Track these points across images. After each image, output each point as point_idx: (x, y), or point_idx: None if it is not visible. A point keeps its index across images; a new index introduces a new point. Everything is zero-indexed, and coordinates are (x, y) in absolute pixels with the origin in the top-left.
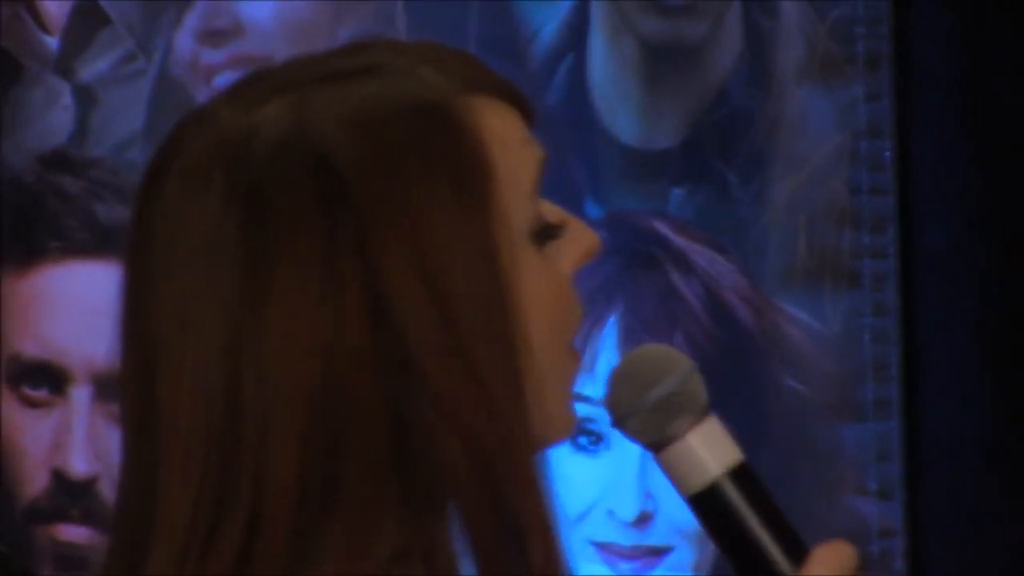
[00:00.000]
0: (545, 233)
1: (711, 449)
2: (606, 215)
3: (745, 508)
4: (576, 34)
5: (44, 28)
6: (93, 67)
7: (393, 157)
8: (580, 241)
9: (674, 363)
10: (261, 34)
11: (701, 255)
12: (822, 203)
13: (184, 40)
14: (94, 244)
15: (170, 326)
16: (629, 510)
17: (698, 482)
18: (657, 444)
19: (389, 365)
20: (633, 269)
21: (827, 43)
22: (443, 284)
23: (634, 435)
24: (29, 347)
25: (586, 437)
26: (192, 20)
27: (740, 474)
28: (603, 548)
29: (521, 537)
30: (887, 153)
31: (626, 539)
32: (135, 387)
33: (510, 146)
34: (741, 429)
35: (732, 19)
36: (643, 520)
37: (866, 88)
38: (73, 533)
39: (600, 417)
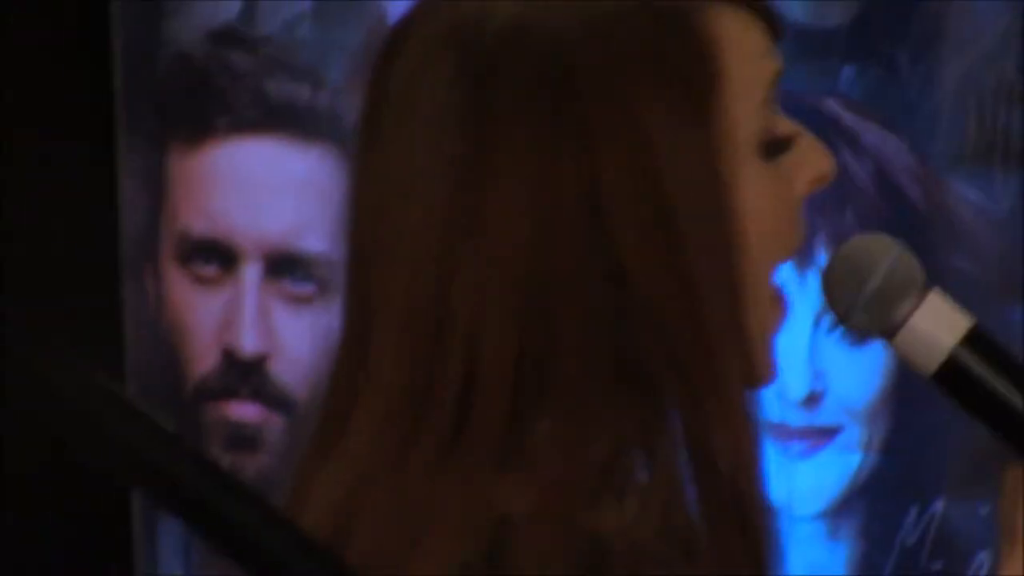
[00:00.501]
0: (775, 147)
1: (939, 324)
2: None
3: (988, 371)
4: None
5: None
6: None
7: (624, 58)
8: (813, 163)
9: (883, 250)
10: None
11: (871, 134)
12: (992, 84)
13: None
14: (263, 121)
15: (393, 192)
16: (798, 390)
17: (936, 359)
18: (886, 332)
19: (602, 258)
20: None
21: None
22: (661, 188)
23: (859, 330)
24: (198, 224)
25: None
26: None
27: (975, 340)
28: (772, 428)
29: (715, 458)
30: None
31: (795, 419)
32: (355, 251)
33: (746, 56)
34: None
35: None
36: (812, 400)
37: None
38: (243, 411)
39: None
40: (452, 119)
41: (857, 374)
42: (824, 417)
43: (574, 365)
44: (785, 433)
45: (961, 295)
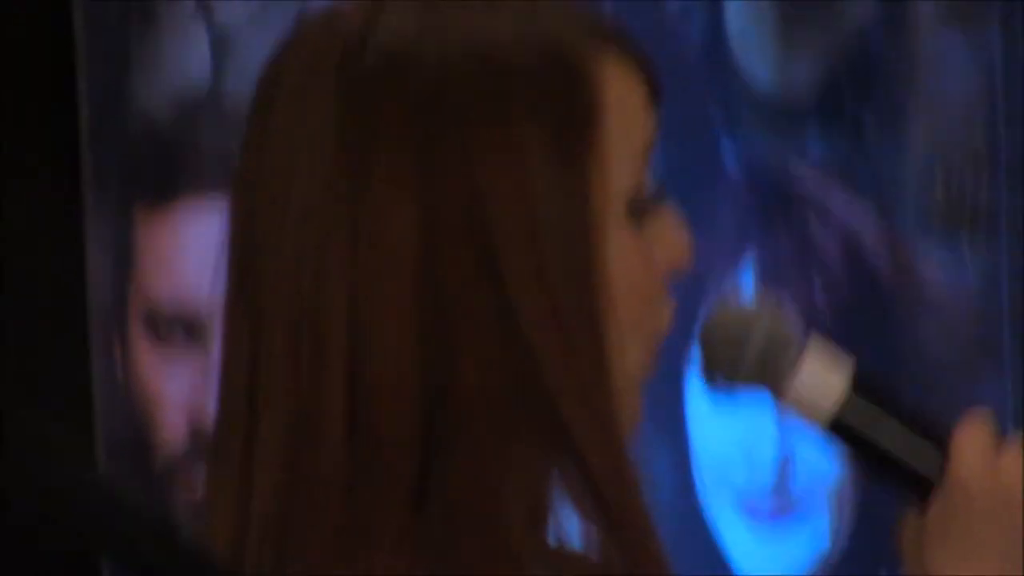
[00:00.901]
0: (640, 210)
1: (823, 376)
2: (742, 159)
3: (875, 417)
4: None
5: None
6: (230, 8)
7: (505, 87)
8: (673, 245)
9: (757, 310)
10: None
11: (838, 201)
12: (960, 149)
13: None
14: (229, 184)
15: (271, 202)
16: (768, 469)
17: (823, 410)
18: (773, 392)
19: (485, 273)
20: (769, 213)
21: None
22: (537, 222)
23: (745, 387)
24: (165, 293)
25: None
26: None
27: (860, 387)
28: (745, 508)
29: (596, 484)
30: None
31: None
32: (236, 261)
33: (627, 107)
34: (877, 375)
35: None
36: (782, 479)
37: (1003, 32)
38: None
39: None
40: (334, 142)
41: (826, 453)
42: (793, 496)
43: (474, 403)
44: (756, 512)
45: (930, 362)
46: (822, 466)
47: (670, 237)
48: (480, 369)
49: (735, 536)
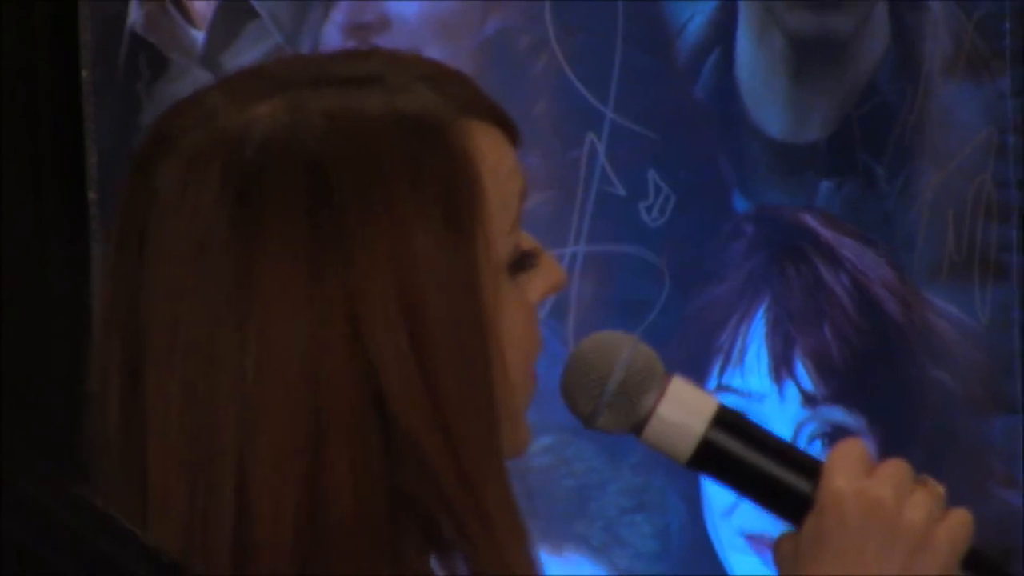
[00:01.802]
0: (521, 264)
1: (686, 410)
2: (754, 209)
3: (743, 447)
4: (723, 29)
5: (191, 22)
6: (239, 61)
7: (384, 173)
8: (549, 275)
9: (617, 346)
10: (407, 29)
11: (849, 248)
12: (969, 197)
13: (331, 35)
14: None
15: (160, 313)
16: None
17: (689, 445)
18: (634, 427)
19: (368, 390)
20: (781, 262)
21: (974, 38)
22: (421, 310)
23: (608, 429)
24: None
25: None
26: (339, 15)
27: (724, 419)
28: (754, 540)
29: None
30: None
31: (776, 529)
32: (120, 373)
33: (499, 174)
34: (889, 421)
35: (879, 14)
36: None
37: (1013, 83)
38: None
39: (749, 409)
40: (217, 239)
41: None
42: None
43: (352, 510)
44: (767, 543)
45: (941, 407)
46: None
47: (545, 270)
48: (358, 484)
49: (745, 568)
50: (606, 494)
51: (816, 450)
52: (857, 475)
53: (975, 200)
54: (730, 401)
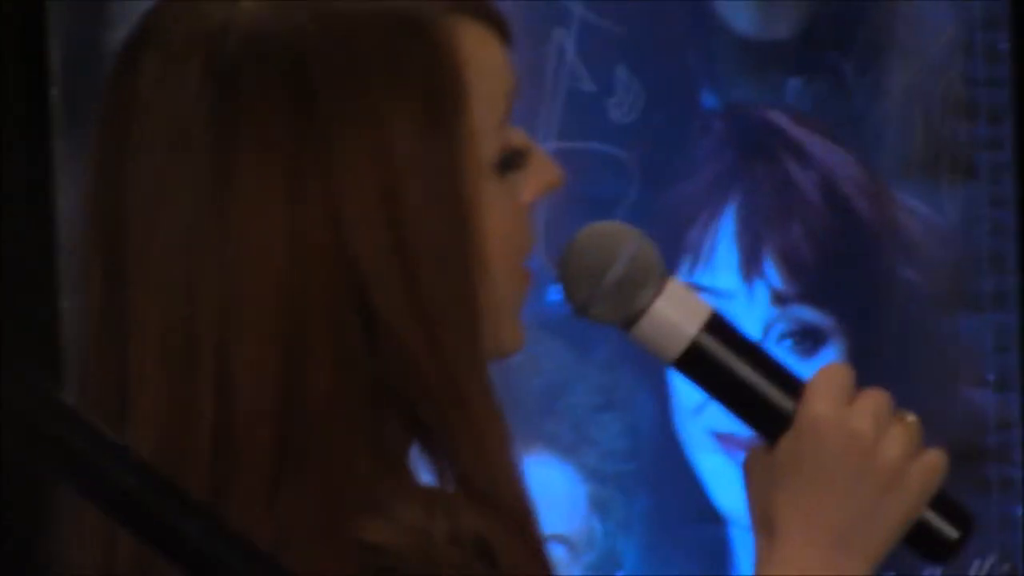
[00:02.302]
0: (510, 162)
1: (680, 311)
2: (723, 106)
3: (730, 355)
4: None
5: None
6: None
7: (367, 67)
8: (543, 174)
9: (621, 238)
10: None
11: (818, 146)
12: (938, 95)
13: None
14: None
15: (141, 206)
16: None
17: (678, 345)
18: (626, 321)
19: (348, 285)
20: (750, 160)
21: None
22: (402, 206)
23: (600, 320)
24: None
25: None
26: None
27: (716, 325)
28: (723, 439)
29: (471, 462)
30: (1003, 45)
31: (743, 429)
32: (101, 265)
33: (486, 71)
34: (858, 319)
35: None
36: None
37: None
38: None
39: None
40: (197, 133)
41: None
42: None
43: (331, 395)
44: (735, 443)
45: (910, 305)
46: None
47: (539, 169)
48: (337, 371)
49: (713, 467)
50: (574, 392)
51: (786, 348)
52: (838, 403)
53: (943, 98)
54: None
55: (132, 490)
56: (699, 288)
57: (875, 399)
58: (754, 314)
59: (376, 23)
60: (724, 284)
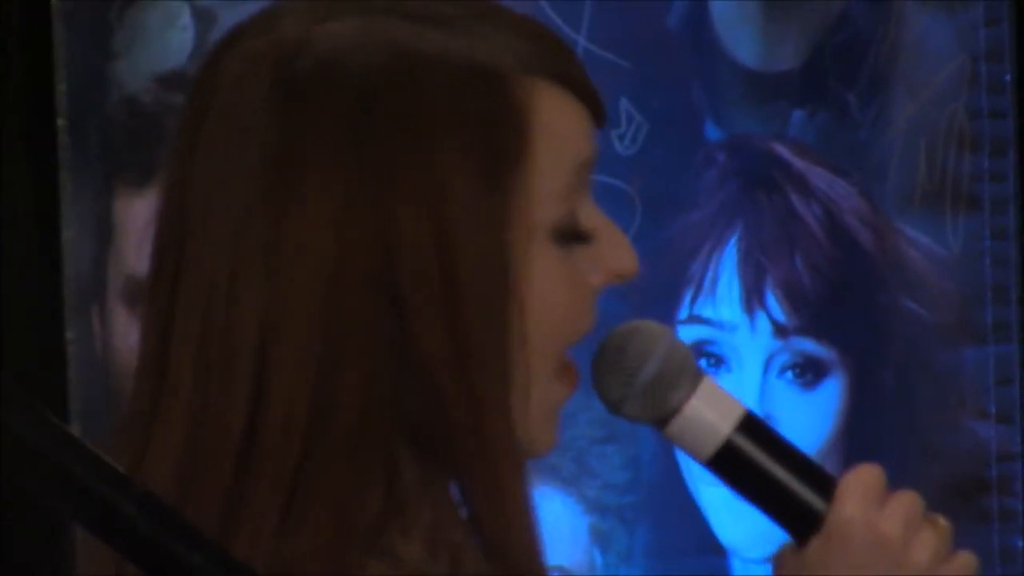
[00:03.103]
0: (570, 236)
1: (714, 410)
2: (726, 137)
3: (763, 455)
4: None
5: None
6: None
7: (432, 112)
8: (616, 260)
9: (654, 338)
10: None
11: (821, 178)
12: (942, 126)
13: None
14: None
15: (197, 209)
16: None
17: (712, 445)
18: (659, 420)
19: (389, 311)
20: (753, 192)
21: None
22: (452, 249)
23: (634, 419)
24: (145, 267)
25: (705, 359)
26: None
27: (749, 425)
28: None
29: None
30: (1007, 76)
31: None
32: (169, 260)
33: (559, 137)
34: (860, 351)
35: None
36: None
37: (986, 12)
38: None
39: (720, 339)
40: (258, 143)
41: (808, 417)
42: None
43: (357, 422)
44: None
45: (912, 337)
46: (804, 431)
47: (612, 253)
48: (367, 399)
49: (714, 500)
50: (577, 424)
51: (787, 380)
52: (868, 504)
53: (948, 129)
54: (701, 332)
55: (134, 519)
56: (701, 319)
57: (906, 502)
58: (756, 346)
59: (451, 69)
60: (726, 316)
